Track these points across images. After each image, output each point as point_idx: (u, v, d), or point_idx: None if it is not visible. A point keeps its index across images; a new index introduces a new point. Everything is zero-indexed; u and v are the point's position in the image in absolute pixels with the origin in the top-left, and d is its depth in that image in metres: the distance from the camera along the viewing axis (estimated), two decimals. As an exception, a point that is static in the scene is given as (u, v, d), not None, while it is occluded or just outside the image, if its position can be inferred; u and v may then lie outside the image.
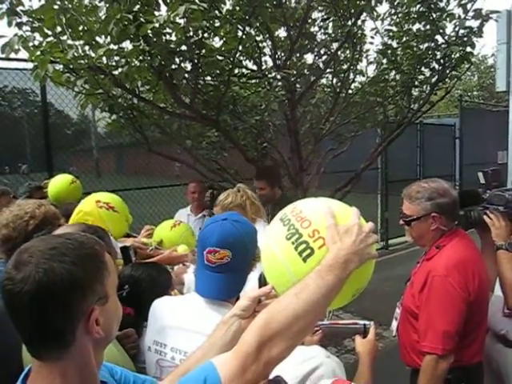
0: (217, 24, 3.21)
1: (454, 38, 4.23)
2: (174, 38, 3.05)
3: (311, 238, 1.08)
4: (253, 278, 1.77)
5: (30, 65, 3.07)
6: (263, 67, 4.44)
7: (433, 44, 4.38)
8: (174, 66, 3.11)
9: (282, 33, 4.48)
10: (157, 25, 2.68)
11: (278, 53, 4.31)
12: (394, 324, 2.34)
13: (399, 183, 8.91)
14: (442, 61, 4.36)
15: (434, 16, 4.17)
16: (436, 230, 2.15)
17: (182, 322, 1.62)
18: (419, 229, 2.18)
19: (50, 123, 4.97)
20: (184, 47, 3.00)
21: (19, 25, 2.94)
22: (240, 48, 3.94)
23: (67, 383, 0.92)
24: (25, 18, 2.95)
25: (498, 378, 2.30)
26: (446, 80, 4.65)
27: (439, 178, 2.27)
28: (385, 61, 4.65)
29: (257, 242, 1.68)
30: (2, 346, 1.59)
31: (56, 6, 2.76)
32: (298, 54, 4.39)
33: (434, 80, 4.59)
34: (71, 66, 2.98)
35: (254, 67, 4.49)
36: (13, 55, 2.86)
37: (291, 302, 0.96)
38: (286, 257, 1.11)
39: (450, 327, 1.97)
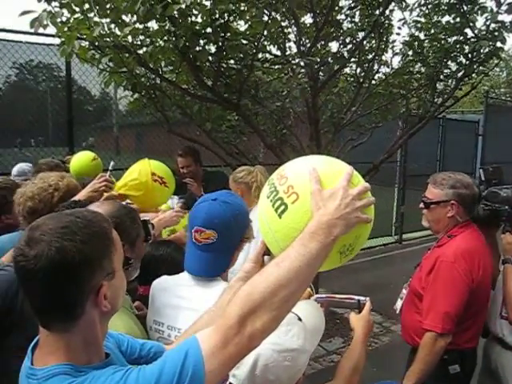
0: (243, 7, 3.20)
1: (484, 32, 4.14)
2: (199, 19, 3.05)
3: (286, 194, 1.06)
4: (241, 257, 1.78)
5: (55, 40, 3.11)
6: (287, 53, 4.41)
7: (461, 37, 4.29)
8: (198, 48, 3.12)
9: (307, 19, 4.44)
10: (183, 6, 2.69)
11: (303, 39, 4.28)
12: (399, 303, 2.48)
13: (417, 178, 8.83)
14: (469, 55, 4.27)
15: (465, 8, 4.08)
16: (451, 218, 2.28)
17: (175, 300, 1.68)
18: (436, 213, 2.31)
19: (72, 99, 5.03)
20: (209, 29, 3.00)
21: (48, 0, 2.98)
22: (265, 33, 3.93)
23: (70, 353, 0.95)
24: (54, -6, 2.99)
25: (496, 379, 2.33)
26: (473, 75, 4.56)
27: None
28: (410, 52, 4.58)
29: (246, 223, 1.70)
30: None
31: (84, -17, 2.78)
32: (322, 42, 4.34)
33: (459, 75, 4.51)
34: (97, 44, 3.00)
35: (278, 52, 4.47)
36: (44, 30, 2.90)
37: (273, 272, 0.94)
38: (266, 215, 1.12)
39: (450, 309, 2.12)
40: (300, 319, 1.37)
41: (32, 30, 2.80)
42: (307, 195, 1.04)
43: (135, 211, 1.83)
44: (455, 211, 2.25)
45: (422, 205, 2.37)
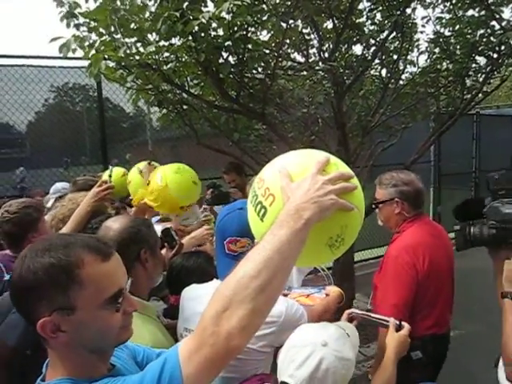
0: (264, 18, 3.24)
1: (512, 24, 4.03)
2: (221, 32, 3.12)
3: (264, 197, 1.08)
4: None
5: (86, 62, 3.25)
6: (311, 59, 4.43)
7: (488, 30, 4.19)
8: (220, 61, 3.18)
9: (330, 24, 4.44)
10: (203, 21, 2.76)
11: (326, 45, 4.29)
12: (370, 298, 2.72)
13: (453, 176, 8.60)
14: (497, 48, 4.17)
15: (490, 0, 3.99)
16: (399, 215, 2.45)
17: (204, 308, 1.71)
18: (385, 212, 2.48)
19: (106, 117, 5.20)
20: (229, 42, 3.06)
21: (77, 26, 3.13)
22: (288, 41, 3.97)
23: (67, 368, 0.98)
24: (81, 20, 3.13)
25: None
26: (503, 68, 4.44)
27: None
28: (437, 50, 4.51)
29: None
30: None
31: (109, 7, 2.90)
32: (346, 46, 4.34)
33: (488, 69, 4.40)
34: (123, 63, 3.12)
35: (302, 60, 4.49)
36: (73, 54, 3.05)
37: (242, 266, 0.93)
38: (251, 219, 1.14)
39: (398, 301, 2.29)
40: (348, 335, 1.45)
41: (62, 55, 2.95)
42: (281, 194, 1.05)
43: (149, 220, 1.91)
44: (400, 208, 2.42)
45: (373, 206, 2.51)
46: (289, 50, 4.41)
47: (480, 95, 4.65)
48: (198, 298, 1.77)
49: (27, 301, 0.95)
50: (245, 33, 3.04)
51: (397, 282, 2.32)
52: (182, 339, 1.81)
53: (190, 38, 2.93)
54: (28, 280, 0.93)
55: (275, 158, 1.22)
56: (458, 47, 4.38)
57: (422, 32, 4.50)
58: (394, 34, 4.09)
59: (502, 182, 2.03)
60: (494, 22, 4.09)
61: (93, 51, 2.99)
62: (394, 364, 1.65)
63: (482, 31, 4.21)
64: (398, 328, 1.77)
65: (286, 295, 2.17)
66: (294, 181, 1.04)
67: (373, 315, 1.93)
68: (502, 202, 1.97)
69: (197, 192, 2.89)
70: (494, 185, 2.04)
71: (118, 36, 3.04)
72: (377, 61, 4.39)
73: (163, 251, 2.38)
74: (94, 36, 3.12)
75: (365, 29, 4.11)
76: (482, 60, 4.49)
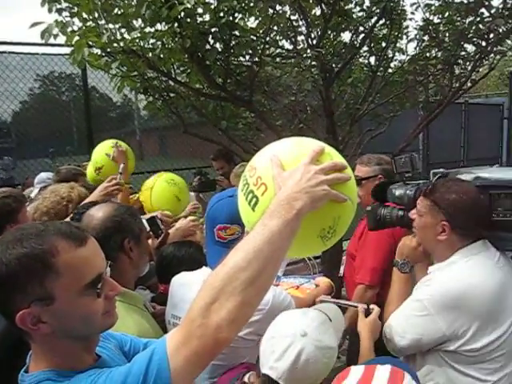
0: (250, 3, 3.19)
1: (501, 11, 4.00)
2: (207, 18, 3.06)
3: (255, 186, 1.06)
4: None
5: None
6: (299, 46, 4.37)
7: (478, 18, 4.16)
8: (206, 47, 3.13)
9: (318, 11, 4.38)
10: (189, 6, 2.70)
11: (314, 32, 4.23)
12: (342, 268, 2.99)
13: (441, 165, 8.63)
14: (485, 36, 4.15)
15: (480, -14, 3.95)
16: None
17: (192, 295, 1.71)
18: (367, 188, 2.58)
19: (93, 106, 5.14)
20: (216, 28, 3.00)
21: (59, 11, 3.04)
22: (275, 27, 3.92)
23: (50, 360, 0.96)
24: (64, 4, 3.05)
25: None
26: (491, 56, 4.43)
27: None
28: (426, 37, 4.48)
29: None
30: None
31: (91, -9, 2.83)
32: (334, 33, 4.28)
33: (477, 56, 4.38)
34: (107, 50, 3.05)
35: (290, 47, 4.43)
36: (55, 41, 2.97)
37: (232, 256, 0.91)
38: (242, 208, 1.13)
39: (377, 264, 2.52)
40: (330, 320, 1.44)
41: (43, 41, 2.88)
42: (273, 183, 1.03)
43: (134, 208, 1.88)
44: None
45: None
46: (276, 37, 4.34)
47: (468, 83, 4.62)
48: (187, 285, 1.78)
49: (2, 294, 0.92)
50: (231, 18, 2.99)
51: (377, 249, 2.53)
52: (169, 326, 1.81)
53: (176, 23, 2.88)
54: (1, 272, 0.90)
55: (267, 146, 1.19)
56: (447, 35, 4.35)
57: (410, 19, 4.44)
58: (383, 20, 4.04)
59: (407, 165, 2.06)
60: (483, 9, 4.05)
61: (76, 37, 2.91)
62: (371, 350, 1.65)
63: (470, 18, 4.17)
64: (367, 312, 1.78)
65: (276, 285, 2.16)
66: (285, 170, 1.03)
67: (342, 302, 1.98)
68: (397, 184, 2.07)
69: (178, 207, 3.07)
70: (399, 167, 2.10)
71: (102, 22, 2.98)
72: (365, 48, 4.35)
73: (149, 241, 2.35)
74: (77, 21, 3.06)
75: (353, 15, 4.05)
76: (470, 48, 4.46)
